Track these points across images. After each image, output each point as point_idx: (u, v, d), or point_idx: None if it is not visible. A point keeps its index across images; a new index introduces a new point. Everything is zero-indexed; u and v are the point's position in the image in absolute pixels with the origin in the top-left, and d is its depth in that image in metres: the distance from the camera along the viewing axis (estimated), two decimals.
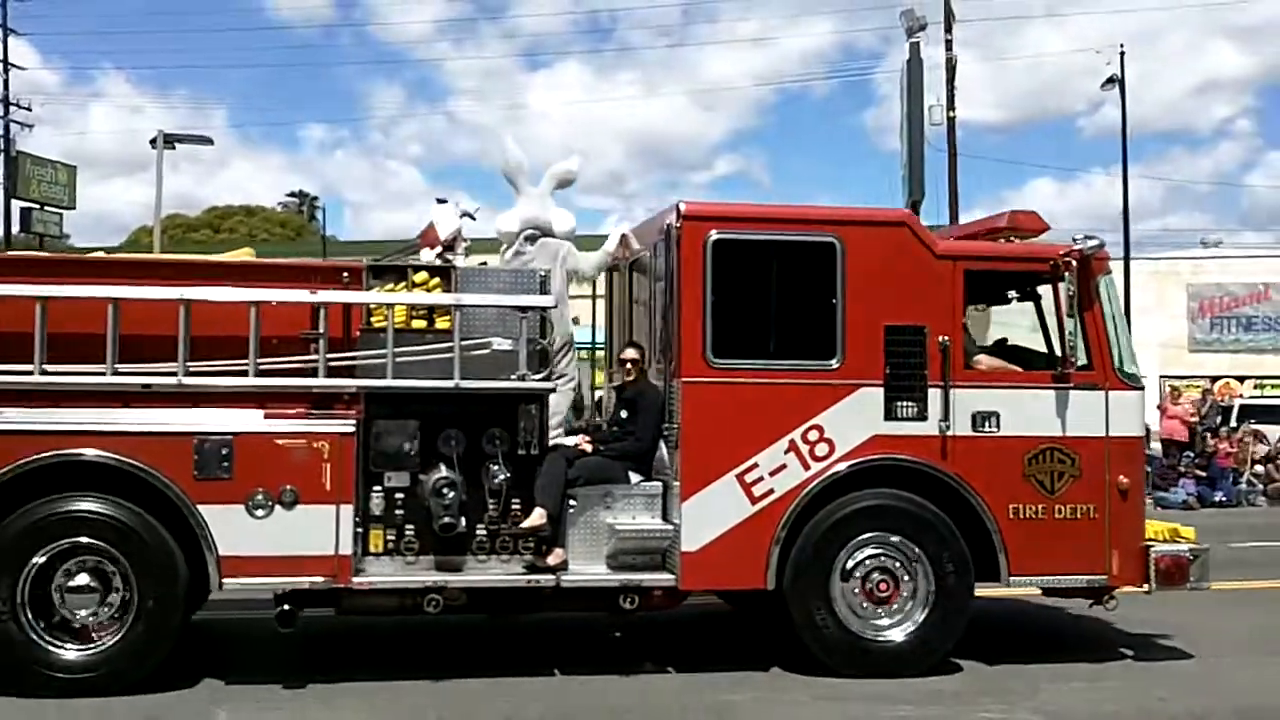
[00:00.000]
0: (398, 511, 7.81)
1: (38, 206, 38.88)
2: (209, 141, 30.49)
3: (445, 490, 7.63)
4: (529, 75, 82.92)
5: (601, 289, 9.95)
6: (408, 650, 8.76)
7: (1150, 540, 8.43)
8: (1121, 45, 33.78)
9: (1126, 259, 31.23)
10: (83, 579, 7.35)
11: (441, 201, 8.59)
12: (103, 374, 7.42)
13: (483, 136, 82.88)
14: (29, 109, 42.54)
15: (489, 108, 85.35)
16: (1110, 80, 33.53)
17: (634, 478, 8.15)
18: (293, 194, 71.47)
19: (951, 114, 28.18)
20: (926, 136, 27.15)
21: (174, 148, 28.82)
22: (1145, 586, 8.33)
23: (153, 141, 26.69)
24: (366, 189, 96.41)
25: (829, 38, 72.24)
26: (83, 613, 7.34)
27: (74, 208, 40.68)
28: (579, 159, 9.17)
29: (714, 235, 7.94)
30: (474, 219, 8.66)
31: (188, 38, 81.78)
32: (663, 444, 8.21)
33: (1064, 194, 78.95)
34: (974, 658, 8.33)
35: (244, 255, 8.88)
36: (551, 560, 7.85)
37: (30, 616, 7.26)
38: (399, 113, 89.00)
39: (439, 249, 8.60)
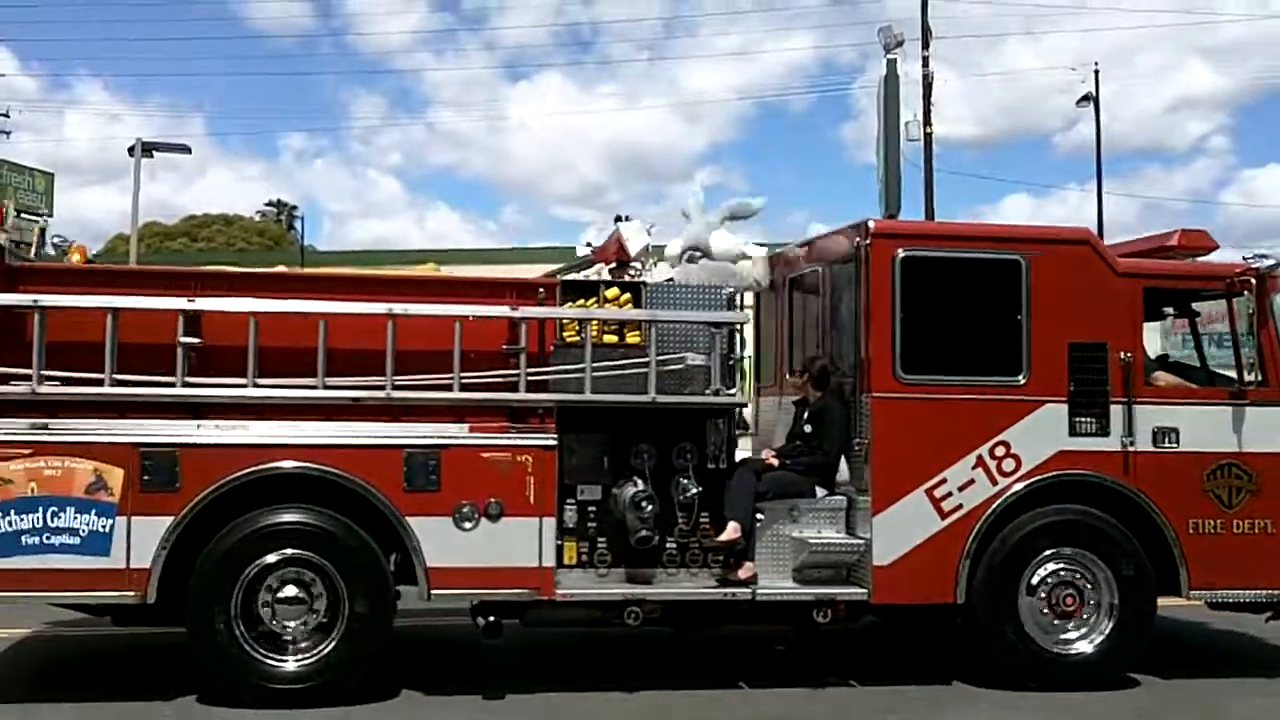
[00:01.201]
0: (590, 524, 7.92)
1: (15, 214, 38.18)
2: (187, 150, 30.58)
3: (644, 504, 7.72)
4: (510, 86, 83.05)
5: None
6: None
7: None
8: (1096, 63, 34.53)
9: None
10: (290, 590, 7.45)
11: (625, 219, 8.67)
12: (314, 388, 7.54)
13: (463, 147, 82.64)
14: (6, 115, 42.03)
15: (469, 118, 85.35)
16: (1085, 98, 34.05)
17: (819, 492, 8.24)
18: (271, 203, 71.02)
19: (928, 129, 28.50)
20: (903, 151, 27.28)
21: (152, 155, 28.93)
22: None
23: (131, 149, 26.77)
24: (346, 198, 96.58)
25: (808, 53, 72.63)
26: (291, 624, 7.44)
27: (51, 215, 38.97)
28: (764, 200, 9.22)
29: (902, 253, 8.05)
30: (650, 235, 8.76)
31: (166, 46, 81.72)
32: (843, 458, 8.31)
33: (1040, 210, 79.69)
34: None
35: (428, 270, 8.99)
36: (742, 574, 7.94)
37: (243, 629, 7.36)
38: (379, 122, 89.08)
39: (613, 264, 8.72)
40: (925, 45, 28.60)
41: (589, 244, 9.13)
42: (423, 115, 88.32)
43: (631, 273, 8.49)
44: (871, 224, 8.11)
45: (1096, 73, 34.04)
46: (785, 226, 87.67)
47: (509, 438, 7.65)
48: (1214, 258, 9.11)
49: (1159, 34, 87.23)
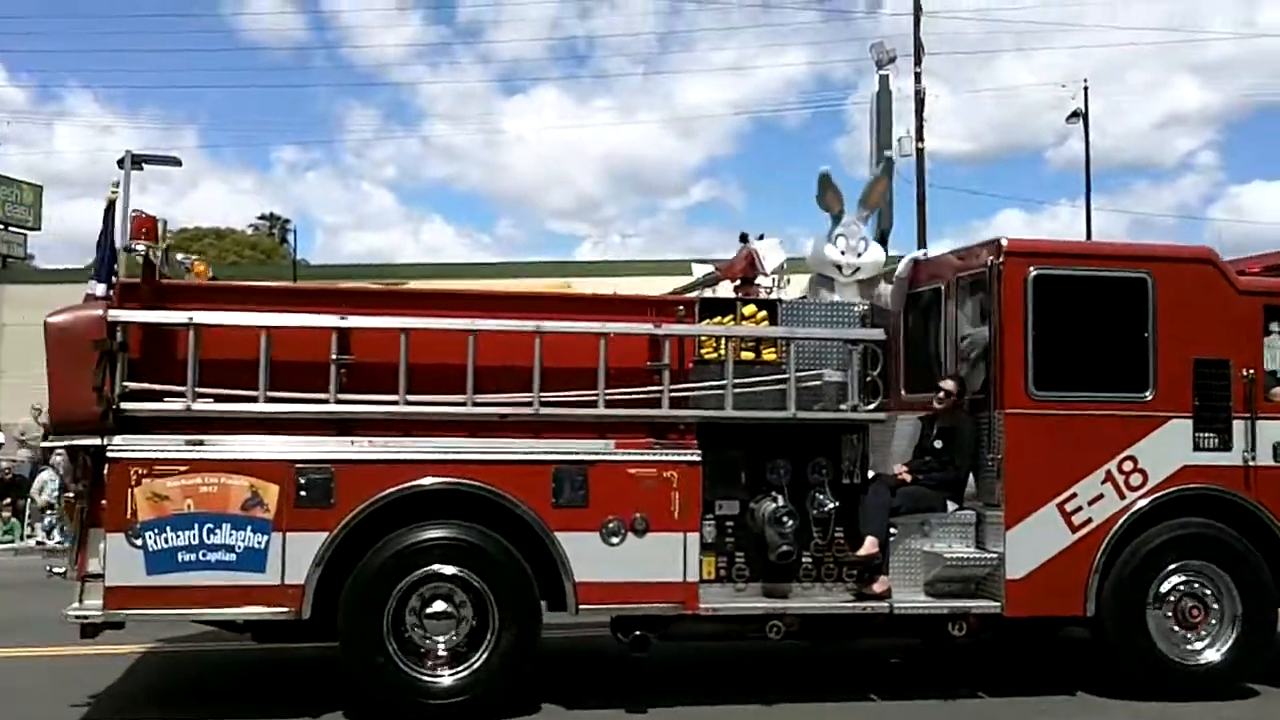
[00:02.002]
0: (728, 539, 8.00)
1: (1, 227, 36.72)
2: (177, 162, 30.17)
3: (785, 519, 7.80)
4: (505, 99, 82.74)
5: None
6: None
7: None
8: (1085, 80, 35.02)
9: None
10: (440, 605, 7.48)
11: (758, 238, 8.74)
12: (462, 404, 7.57)
13: (458, 160, 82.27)
14: None
15: (464, 131, 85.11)
16: (1075, 114, 34.33)
17: (949, 506, 8.35)
18: (264, 216, 70.09)
19: (920, 145, 28.43)
20: (896, 166, 27.41)
21: (141, 168, 28.42)
22: None
23: (120, 161, 26.64)
24: (339, 211, 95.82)
25: (803, 68, 72.87)
26: (441, 639, 7.48)
27: (39, 228, 38.38)
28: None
29: (1034, 271, 8.17)
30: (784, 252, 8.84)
31: (159, 57, 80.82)
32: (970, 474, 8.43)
33: (1032, 225, 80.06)
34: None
35: (562, 288, 9.03)
36: (877, 588, 8.04)
37: (395, 645, 7.39)
38: (373, 135, 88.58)
39: (738, 281, 8.80)
40: (918, 61, 28.63)
41: (709, 263, 9.18)
42: (417, 128, 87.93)
43: (763, 289, 8.56)
44: (1005, 242, 8.22)
45: (1086, 89, 34.40)
46: (780, 240, 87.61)
47: (654, 453, 7.71)
48: None
49: (1148, 51, 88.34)
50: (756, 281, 8.76)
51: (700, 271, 9.95)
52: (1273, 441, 8.38)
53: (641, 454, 7.69)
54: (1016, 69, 70.40)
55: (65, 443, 7.34)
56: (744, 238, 8.91)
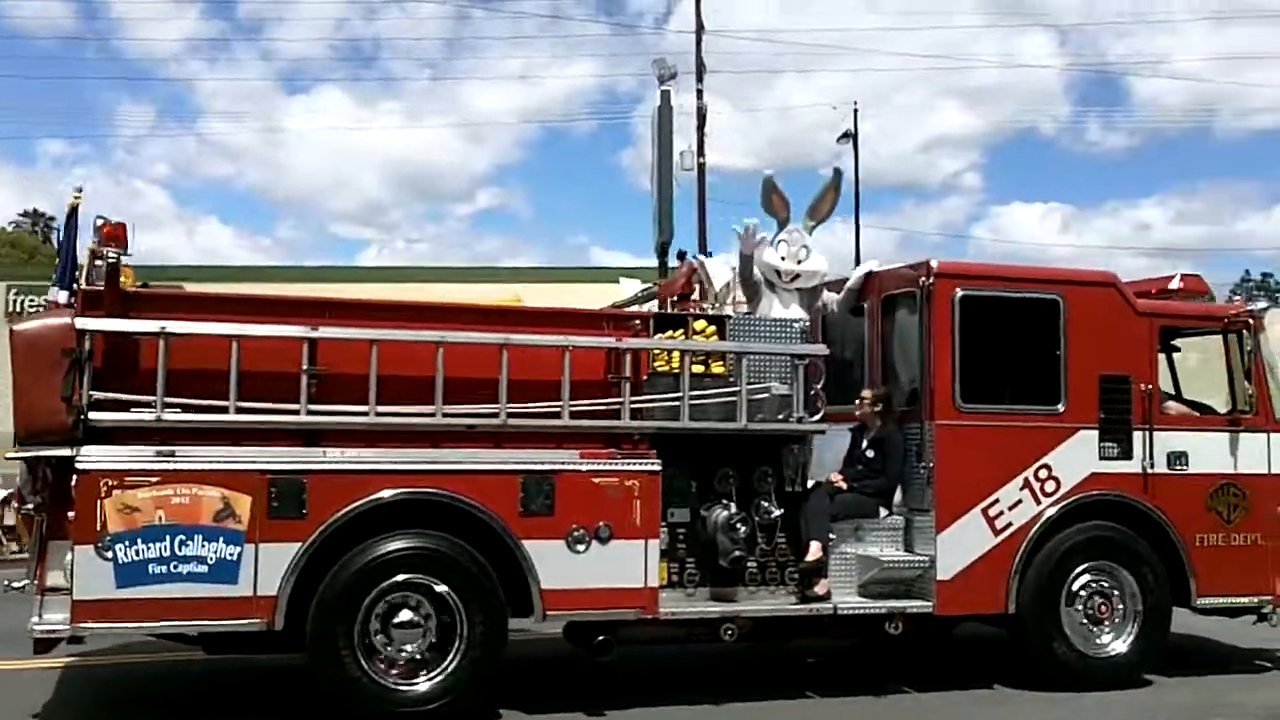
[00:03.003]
0: (679, 546, 8.32)
1: None
2: None
3: (738, 526, 8.19)
4: (287, 99, 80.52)
5: None
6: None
7: None
8: (855, 102, 36.84)
9: None
10: (407, 614, 7.57)
11: (706, 255, 9.12)
12: (431, 415, 7.70)
13: (236, 159, 79.62)
14: None
15: (244, 129, 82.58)
16: (845, 134, 36.14)
17: (881, 512, 8.87)
18: (25, 213, 66.40)
19: (702, 160, 29.06)
20: (678, 180, 27.45)
21: None
22: None
23: None
24: (109, 209, 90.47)
25: (591, 80, 73.90)
26: (409, 647, 7.57)
27: None
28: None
29: (960, 292, 8.77)
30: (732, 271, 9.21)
31: None
32: None
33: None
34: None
35: (513, 302, 9.20)
36: (819, 590, 8.48)
37: (364, 654, 7.45)
38: (147, 131, 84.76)
39: (676, 298, 9.17)
40: (699, 79, 29.28)
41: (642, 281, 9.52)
42: (194, 125, 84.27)
43: (706, 305, 8.93)
44: (935, 263, 8.80)
45: (856, 111, 36.20)
46: (565, 250, 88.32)
47: (617, 463, 7.97)
48: None
49: (916, 77, 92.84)
50: (693, 298, 9.14)
51: (628, 286, 10.28)
52: (1167, 451, 9.17)
53: (605, 464, 7.94)
54: (795, 89, 73.27)
55: (32, 453, 7.16)
56: (682, 255, 9.30)
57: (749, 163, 74.95)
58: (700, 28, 29.24)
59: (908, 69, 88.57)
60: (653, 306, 9.79)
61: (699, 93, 29.07)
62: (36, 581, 7.24)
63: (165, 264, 40.92)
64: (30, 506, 7.36)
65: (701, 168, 28.74)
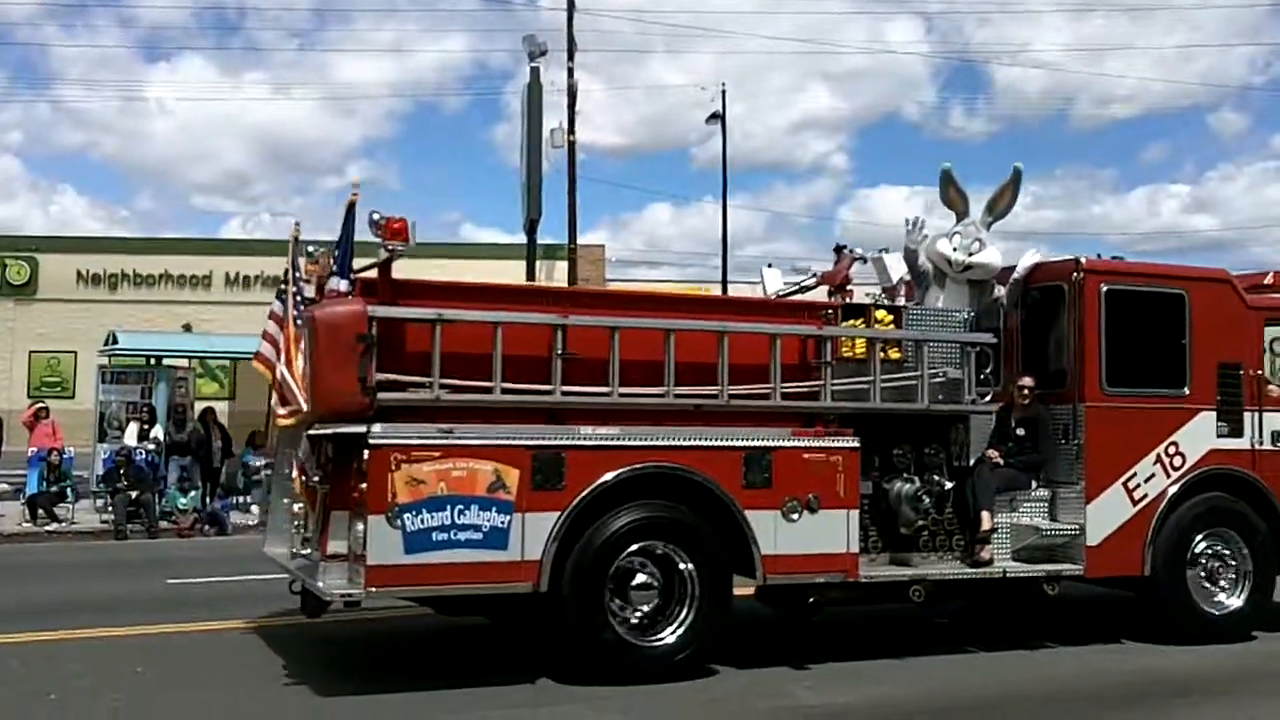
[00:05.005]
0: (864, 515, 9.15)
1: None
2: None
3: (922, 497, 9.06)
4: (147, 67, 78.03)
5: None
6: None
7: None
8: (724, 84, 37.62)
9: (725, 283, 34.03)
10: (642, 578, 8.29)
11: (882, 251, 9.93)
12: (663, 395, 8.41)
13: (93, 128, 77.16)
14: None
15: (100, 97, 79.98)
16: (714, 115, 36.92)
17: (1033, 485, 9.80)
18: None
19: (572, 138, 28.93)
20: (548, 157, 27.97)
21: None
22: None
23: None
24: None
25: (464, 54, 73.46)
26: (645, 608, 8.29)
27: None
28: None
29: (1105, 286, 9.73)
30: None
31: None
32: None
33: (678, 219, 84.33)
34: None
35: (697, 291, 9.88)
36: (984, 555, 9.39)
37: (613, 617, 8.15)
38: None
39: (835, 287, 10.00)
40: (570, 56, 29.03)
41: (812, 270, 10.32)
42: (47, 92, 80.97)
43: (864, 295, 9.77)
44: (1084, 260, 9.74)
45: (724, 93, 36.92)
46: (437, 225, 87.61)
47: (824, 440, 8.77)
48: None
49: (786, 60, 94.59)
50: (897, 295, 9.98)
51: (770, 276, 11.06)
52: (1271, 430, 10.27)
53: (814, 440, 8.75)
54: (666, 69, 73.23)
55: (331, 430, 7.71)
56: (839, 249, 10.08)
57: (620, 140, 75.47)
58: (572, 5, 29.03)
59: (777, 50, 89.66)
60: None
61: (570, 70, 28.89)
62: (320, 549, 7.80)
63: (15, 234, 40.11)
64: (316, 479, 7.90)
65: (572, 145, 28.55)
